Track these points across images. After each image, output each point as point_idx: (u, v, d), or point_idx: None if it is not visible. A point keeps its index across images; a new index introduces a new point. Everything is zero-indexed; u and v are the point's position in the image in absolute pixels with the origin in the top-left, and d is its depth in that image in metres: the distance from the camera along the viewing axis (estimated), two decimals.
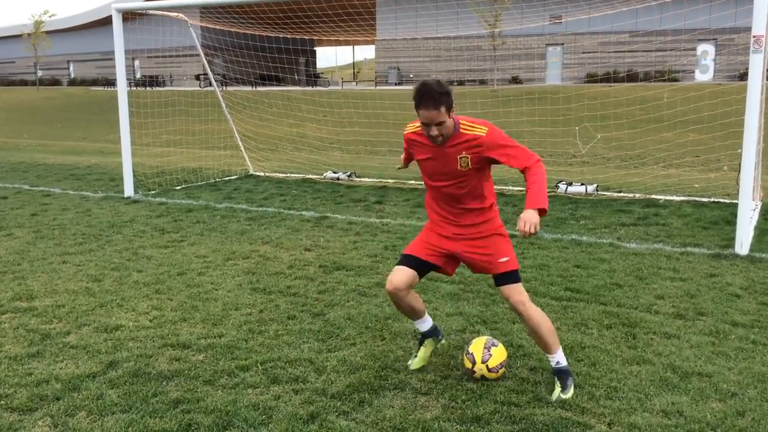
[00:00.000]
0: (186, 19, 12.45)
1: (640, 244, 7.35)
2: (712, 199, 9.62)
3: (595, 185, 10.59)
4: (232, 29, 16.04)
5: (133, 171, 11.23)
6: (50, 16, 55.84)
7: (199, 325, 5.04)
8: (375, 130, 17.75)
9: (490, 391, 3.92)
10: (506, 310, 5.21)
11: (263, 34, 15.60)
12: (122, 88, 11.10)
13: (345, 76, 61.31)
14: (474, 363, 4.03)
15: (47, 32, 55.01)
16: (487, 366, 4.00)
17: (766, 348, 4.52)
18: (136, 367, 4.26)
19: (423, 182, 4.14)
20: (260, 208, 9.68)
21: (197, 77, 44.79)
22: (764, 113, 8.33)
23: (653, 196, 9.95)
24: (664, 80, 35.07)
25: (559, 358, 3.94)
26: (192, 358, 4.44)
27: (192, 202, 10.27)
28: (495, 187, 4.15)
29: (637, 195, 10.16)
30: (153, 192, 11.26)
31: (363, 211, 9.41)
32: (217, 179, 12.73)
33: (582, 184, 10.59)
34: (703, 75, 37.83)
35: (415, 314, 4.22)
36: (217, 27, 15.70)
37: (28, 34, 54.78)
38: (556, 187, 10.61)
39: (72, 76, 62.42)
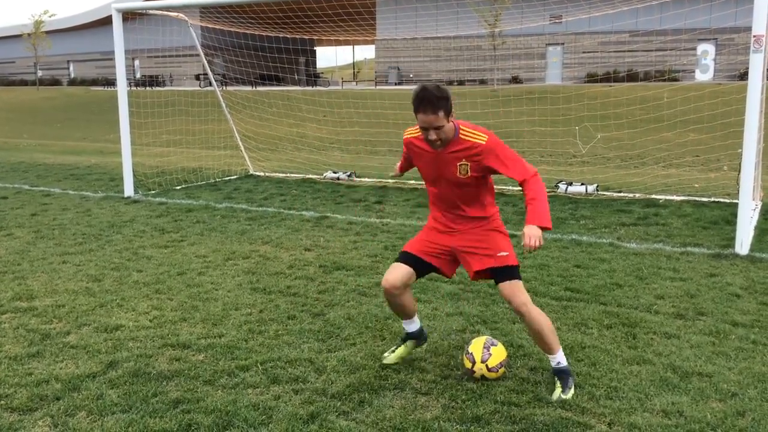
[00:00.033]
0: (186, 18, 12.45)
1: (640, 244, 7.35)
2: (712, 199, 9.62)
3: (595, 185, 10.59)
4: (232, 29, 16.05)
5: (133, 171, 11.23)
6: (50, 16, 55.84)
7: (199, 325, 5.04)
8: (375, 130, 17.76)
9: (490, 391, 3.92)
10: (506, 310, 5.21)
11: (263, 34, 15.60)
12: (122, 88, 11.10)
13: (345, 76, 61.31)
14: (474, 363, 4.03)
15: (47, 32, 54.99)
16: (486, 365, 4.00)
17: (766, 348, 4.52)
18: (136, 367, 4.26)
19: (424, 183, 4.15)
20: (260, 208, 9.68)
21: (197, 77, 44.79)
22: (764, 113, 8.33)
23: (653, 196, 9.94)
24: (664, 80, 35.08)
25: (559, 358, 3.94)
26: (192, 358, 4.43)
27: (192, 202, 10.27)
28: (495, 186, 4.15)
29: (637, 195, 10.16)
30: (153, 192, 11.26)
31: (363, 211, 9.41)
32: (217, 179, 12.73)
33: (582, 184, 10.59)
34: (703, 75, 37.83)
35: (405, 314, 4.22)
36: (217, 27, 15.70)
37: (28, 34, 54.78)
38: (556, 187, 10.61)
39: (72, 76, 62.43)
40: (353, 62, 68.12)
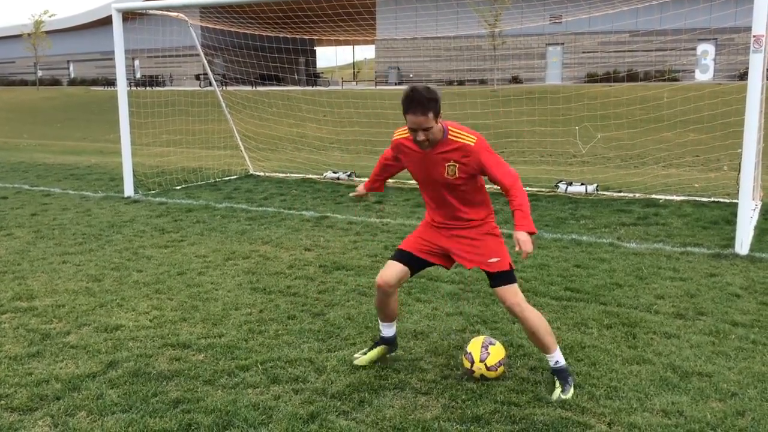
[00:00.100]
0: (186, 18, 12.45)
1: (640, 243, 7.35)
2: (712, 199, 9.62)
3: (595, 185, 10.59)
4: (232, 29, 16.05)
5: (133, 171, 11.23)
6: (50, 16, 55.83)
7: (199, 324, 5.05)
8: (375, 130, 17.75)
9: (490, 390, 3.92)
10: (506, 310, 5.20)
11: (263, 34, 15.60)
12: (122, 88, 11.10)
13: (345, 75, 61.30)
14: (472, 362, 4.03)
15: (47, 32, 54.98)
16: (485, 364, 4.01)
17: (766, 348, 4.53)
18: (136, 367, 4.27)
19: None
20: (260, 208, 9.68)
21: (197, 77, 44.78)
22: (764, 113, 8.33)
23: (653, 196, 9.94)
24: (664, 80, 35.08)
25: (557, 357, 3.95)
26: (192, 358, 4.44)
27: (192, 201, 10.27)
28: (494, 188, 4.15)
29: (637, 195, 10.16)
30: (153, 192, 11.26)
31: (363, 211, 9.41)
32: (217, 179, 12.73)
33: (582, 184, 10.59)
34: (703, 75, 37.82)
35: (387, 315, 4.25)
36: (217, 27, 15.70)
37: (28, 34, 54.77)
38: (556, 186, 10.61)
39: (72, 76, 62.43)
40: (353, 62, 68.13)
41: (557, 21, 29.74)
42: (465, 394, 3.89)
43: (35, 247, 7.46)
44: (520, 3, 33.01)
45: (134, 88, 39.22)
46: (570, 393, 3.84)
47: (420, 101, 3.63)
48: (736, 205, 7.36)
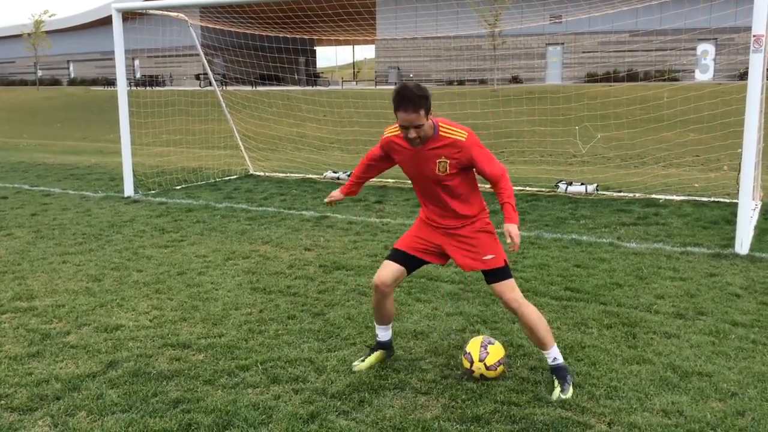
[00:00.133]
0: (186, 18, 12.45)
1: (640, 243, 7.35)
2: (712, 199, 9.62)
3: (595, 185, 10.59)
4: (232, 29, 16.05)
5: (133, 171, 11.23)
6: (50, 16, 55.84)
7: (199, 324, 5.05)
8: (375, 130, 17.71)
9: (490, 390, 3.93)
10: (506, 309, 5.20)
11: (263, 33, 15.60)
12: (122, 87, 11.10)
13: (345, 75, 61.31)
14: (472, 362, 4.04)
15: (47, 32, 54.98)
16: (485, 364, 4.01)
17: (766, 348, 4.53)
18: (136, 367, 4.27)
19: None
20: (260, 208, 9.68)
21: (197, 77, 44.77)
22: (764, 113, 8.33)
23: (653, 196, 9.94)
24: (664, 80, 35.07)
25: (555, 354, 3.96)
26: (192, 357, 4.44)
27: (192, 201, 10.28)
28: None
29: (637, 194, 10.16)
30: (153, 192, 11.26)
31: (363, 211, 9.41)
32: (217, 179, 12.73)
33: (582, 184, 10.59)
34: (703, 74, 37.82)
35: (384, 317, 4.26)
36: (217, 27, 15.70)
37: (28, 34, 54.77)
38: (556, 186, 10.61)
39: (72, 76, 62.42)
40: (353, 62, 68.13)
41: (557, 21, 29.74)
42: (465, 394, 3.89)
43: (35, 247, 7.46)
44: (520, 3, 33.01)
45: (134, 88, 39.22)
46: (570, 392, 3.84)
47: (411, 99, 3.64)
48: (736, 205, 7.36)
